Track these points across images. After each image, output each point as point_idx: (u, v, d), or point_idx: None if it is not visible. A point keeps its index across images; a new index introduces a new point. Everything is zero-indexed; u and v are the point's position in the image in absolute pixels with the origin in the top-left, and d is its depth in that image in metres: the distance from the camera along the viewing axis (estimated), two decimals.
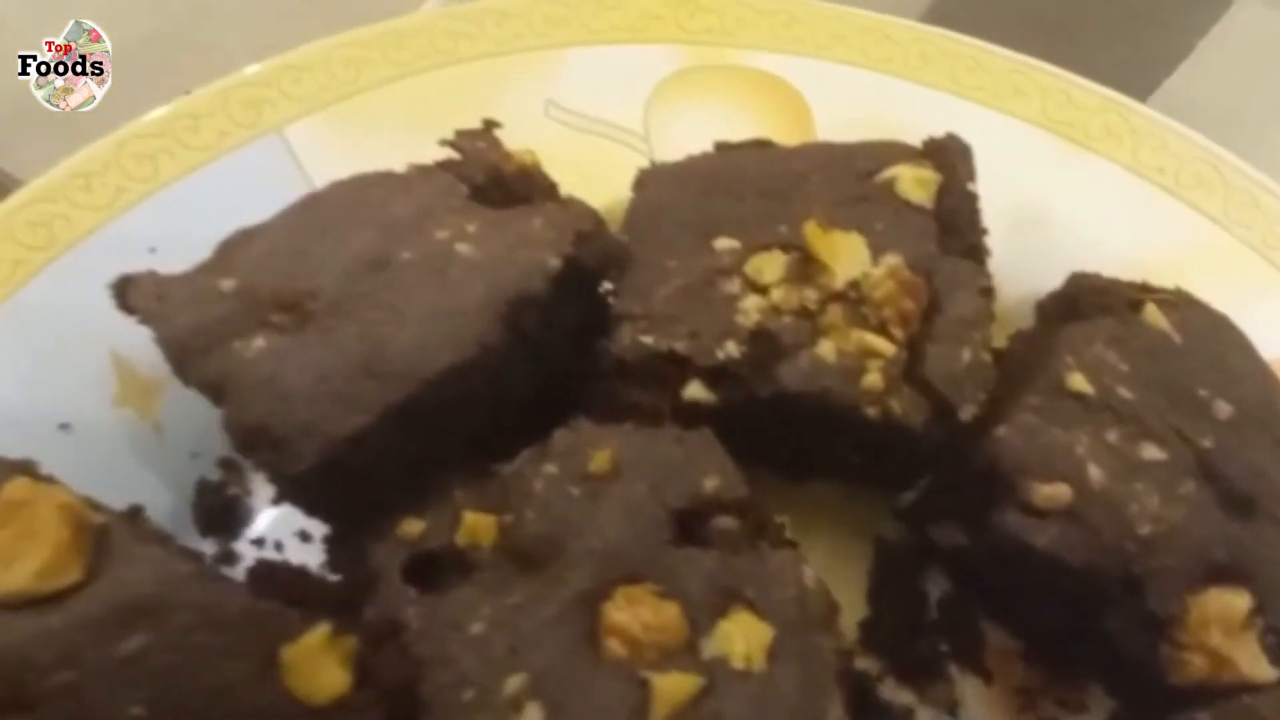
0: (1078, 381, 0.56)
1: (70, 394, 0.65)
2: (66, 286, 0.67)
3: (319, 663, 0.43)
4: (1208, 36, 1.04)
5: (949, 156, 0.66)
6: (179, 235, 0.64)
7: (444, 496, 0.55)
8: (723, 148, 0.72)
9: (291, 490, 0.51)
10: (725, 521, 0.53)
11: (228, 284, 0.53)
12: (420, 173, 0.60)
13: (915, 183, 0.64)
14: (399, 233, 0.56)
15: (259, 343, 0.51)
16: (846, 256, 0.59)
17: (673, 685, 0.46)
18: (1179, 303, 0.64)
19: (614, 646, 0.48)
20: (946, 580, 0.67)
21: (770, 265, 0.59)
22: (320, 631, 0.44)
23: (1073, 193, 0.81)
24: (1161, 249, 0.78)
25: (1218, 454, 0.54)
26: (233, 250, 0.56)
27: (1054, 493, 0.53)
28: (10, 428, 0.61)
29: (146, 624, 0.42)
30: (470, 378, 0.53)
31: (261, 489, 0.66)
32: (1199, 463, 0.54)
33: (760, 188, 0.65)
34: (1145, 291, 0.65)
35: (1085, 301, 0.64)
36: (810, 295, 0.58)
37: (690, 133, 0.79)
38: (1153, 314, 0.61)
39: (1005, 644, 0.65)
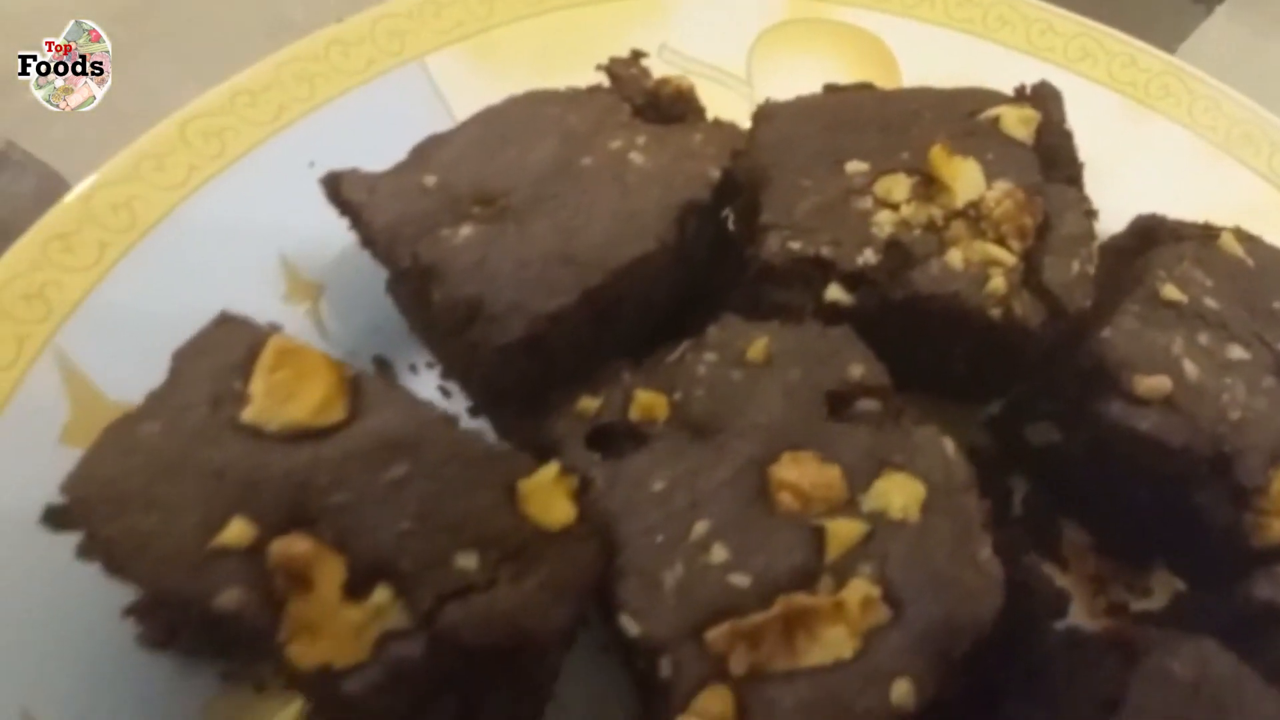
0: (1171, 292, 0.64)
1: (243, 292, 0.70)
2: (236, 193, 0.72)
3: (550, 495, 0.49)
4: (1179, 51, 1.12)
5: (1044, 99, 0.74)
6: (334, 151, 0.70)
7: (612, 380, 0.62)
8: (831, 89, 0.79)
9: (490, 365, 0.57)
10: (869, 404, 0.60)
11: (430, 180, 0.59)
12: (587, 93, 0.66)
13: (1018, 120, 0.71)
14: (577, 142, 0.62)
15: (465, 231, 0.57)
16: (965, 179, 0.66)
17: (844, 529, 0.53)
18: (1244, 236, 0.72)
19: (785, 500, 0.55)
20: (1028, 482, 0.75)
21: (897, 186, 0.66)
22: (551, 469, 0.50)
23: (1134, 146, 0.90)
24: (1213, 199, 0.86)
25: None
26: (427, 153, 0.62)
27: (1156, 384, 0.60)
28: (189, 323, 0.67)
29: (406, 457, 0.48)
30: (645, 272, 0.60)
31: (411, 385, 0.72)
32: (1276, 363, 0.62)
33: (879, 122, 0.72)
34: (1209, 229, 0.73)
35: (1162, 233, 0.72)
36: (935, 212, 0.65)
37: (790, 79, 0.86)
38: (1229, 241, 0.69)
39: (1079, 539, 0.73)
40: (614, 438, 0.60)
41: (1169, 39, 1.13)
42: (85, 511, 0.46)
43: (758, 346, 0.61)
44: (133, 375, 0.59)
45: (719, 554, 0.54)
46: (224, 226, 0.70)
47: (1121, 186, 0.86)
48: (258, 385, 0.49)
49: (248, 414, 0.48)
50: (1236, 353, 0.62)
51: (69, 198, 0.67)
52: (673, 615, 0.52)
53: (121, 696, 0.57)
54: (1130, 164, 0.88)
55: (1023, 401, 0.71)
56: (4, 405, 0.60)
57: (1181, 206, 0.80)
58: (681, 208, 0.60)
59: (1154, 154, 0.89)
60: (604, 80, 0.69)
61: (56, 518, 0.47)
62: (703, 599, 0.52)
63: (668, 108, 0.66)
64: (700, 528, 0.54)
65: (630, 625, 0.52)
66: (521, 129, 0.62)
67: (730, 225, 0.72)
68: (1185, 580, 0.68)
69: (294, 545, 0.44)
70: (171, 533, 0.45)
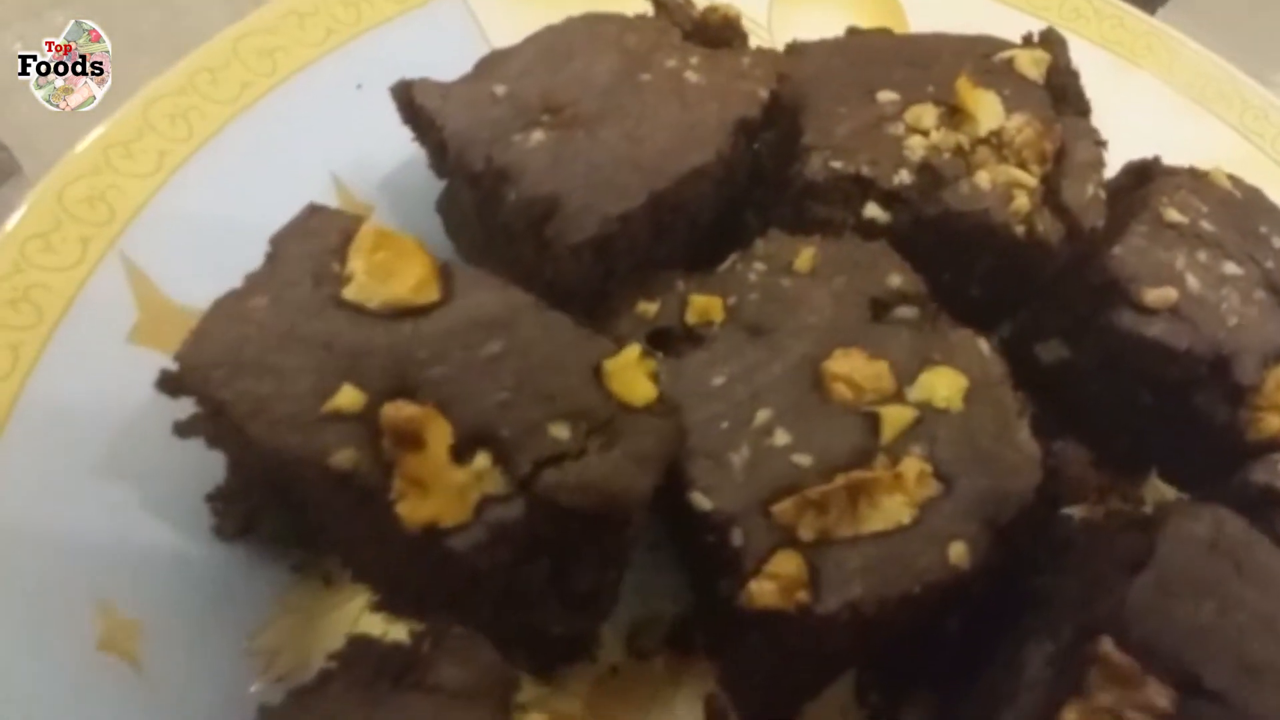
0: (1172, 215, 0.70)
1: (298, 207, 0.71)
2: (289, 111, 0.73)
3: (632, 374, 0.52)
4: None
5: (1051, 44, 0.79)
6: (380, 75, 0.72)
7: (667, 288, 0.66)
8: (854, 32, 0.83)
9: (561, 265, 0.60)
10: (908, 311, 0.65)
11: (499, 89, 0.62)
12: (638, 17, 0.69)
13: (1030, 61, 0.77)
14: (635, 59, 0.65)
15: (536, 136, 0.60)
16: (988, 109, 0.71)
17: (896, 414, 0.58)
18: (1229, 175, 0.79)
19: (839, 390, 0.59)
20: (1033, 406, 0.81)
21: (926, 114, 0.71)
22: (634, 350, 0.53)
23: (1121, 99, 0.96)
24: (1192, 149, 0.93)
25: (1277, 273, 0.69)
26: (493, 66, 0.64)
27: (1162, 295, 0.66)
28: (248, 234, 0.68)
29: (500, 334, 0.51)
30: (702, 184, 0.63)
31: None
32: (1265, 278, 0.69)
33: (904, 59, 0.76)
34: (1196, 170, 0.80)
35: (1156, 171, 0.78)
36: (961, 139, 0.70)
37: (806, 24, 0.91)
38: (1219, 175, 0.76)
39: (1079, 456, 0.79)
40: (672, 340, 0.64)
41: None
42: (200, 377, 0.47)
43: (804, 256, 0.65)
44: (195, 280, 0.61)
45: (781, 438, 0.58)
46: (277, 143, 0.72)
47: (1110, 135, 0.94)
48: (358, 265, 0.51)
49: (349, 292, 0.50)
50: (1231, 269, 0.69)
51: (128, 105, 0.67)
52: (741, 490, 0.56)
53: (195, 585, 0.59)
54: (1117, 115, 0.94)
55: (1033, 321, 0.76)
56: (71, 303, 0.61)
57: (1165, 155, 0.87)
58: (736, 123, 0.64)
59: (1139, 106, 0.96)
60: (649, 11, 0.72)
61: (171, 383, 0.48)
62: (768, 476, 0.56)
63: (715, 33, 0.69)
64: (762, 415, 0.58)
65: (702, 501, 0.56)
66: (583, 45, 0.65)
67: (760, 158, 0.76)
68: (1180, 486, 0.75)
69: (406, 408, 0.47)
70: (286, 397, 0.47)
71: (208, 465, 0.59)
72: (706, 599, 0.65)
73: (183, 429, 0.52)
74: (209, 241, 0.66)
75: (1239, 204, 0.74)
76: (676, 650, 0.66)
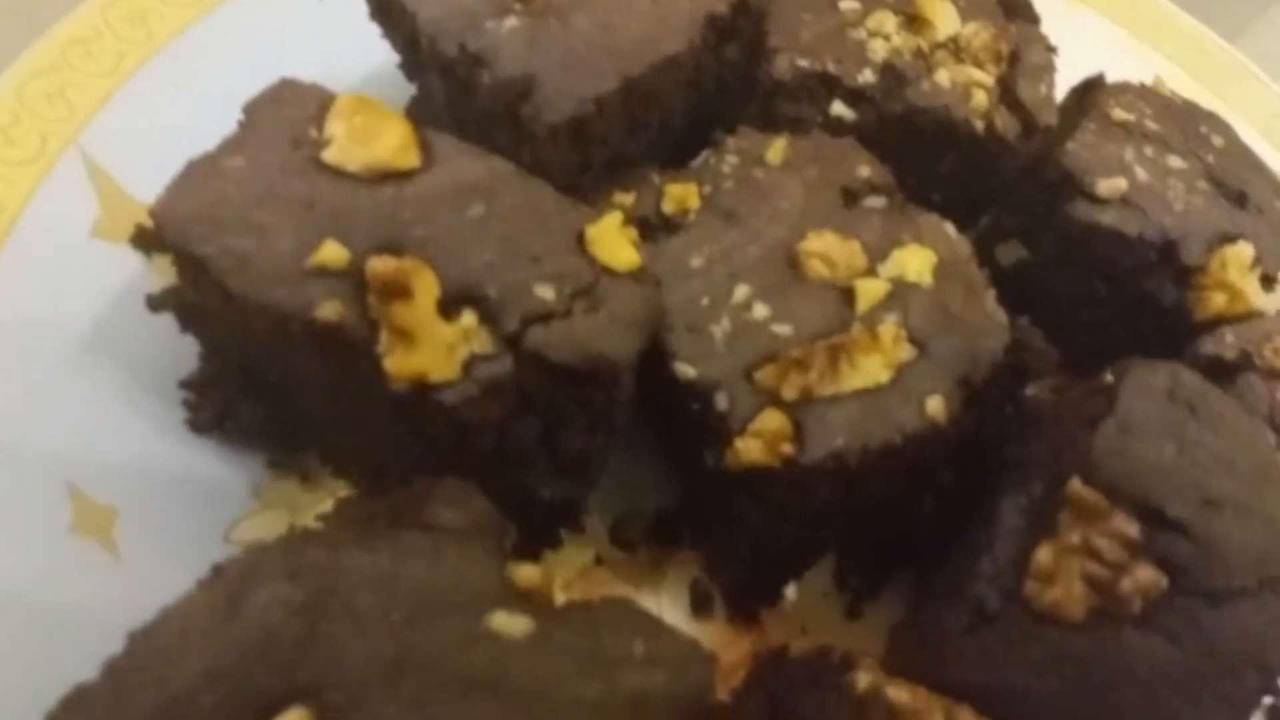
0: (1120, 114, 0.73)
1: None
2: (246, 18, 0.72)
3: (615, 240, 0.53)
4: None
5: None
6: None
7: (642, 181, 0.66)
8: None
9: (538, 147, 0.60)
10: (877, 200, 0.66)
11: None
12: None
13: None
14: None
15: (509, 23, 0.60)
16: (945, 16, 0.74)
17: (870, 286, 0.59)
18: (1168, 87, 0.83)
19: (815, 267, 0.60)
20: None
21: (886, 20, 0.73)
22: (615, 216, 0.54)
23: (1067, 35, 1.01)
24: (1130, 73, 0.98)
25: (1217, 167, 0.73)
26: None
27: (1113, 185, 0.69)
28: (198, 136, 0.67)
29: (482, 198, 0.51)
30: (675, 74, 0.64)
31: None
32: (1207, 171, 0.72)
33: None
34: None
35: (1101, 85, 0.82)
36: (921, 43, 0.72)
37: None
38: (1160, 83, 0.80)
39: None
40: (649, 230, 0.64)
41: None
42: (179, 232, 0.46)
43: (776, 148, 0.67)
44: (157, 177, 0.59)
45: (760, 311, 0.59)
46: (237, 47, 0.71)
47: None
48: (337, 128, 0.50)
49: (329, 155, 0.50)
50: (1176, 162, 0.72)
51: (86, 5, 0.66)
52: (724, 359, 0.57)
53: (171, 477, 0.58)
54: (1063, 49, 0.99)
55: (993, 227, 0.79)
56: (31, 197, 0.60)
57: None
58: (706, 18, 0.65)
59: (1081, 42, 1.00)
60: None
61: (147, 238, 0.47)
62: (749, 345, 0.58)
63: None
64: (741, 292, 0.60)
65: (686, 370, 0.57)
66: None
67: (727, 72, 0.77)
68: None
69: (392, 260, 0.47)
70: (268, 253, 0.47)
71: (180, 358, 0.58)
72: (691, 481, 0.66)
73: (155, 302, 0.51)
74: (170, 140, 0.63)
75: (1180, 108, 0.78)
76: (660, 542, 0.67)
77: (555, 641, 0.42)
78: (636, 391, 0.57)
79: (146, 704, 0.33)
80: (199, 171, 0.48)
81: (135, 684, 0.34)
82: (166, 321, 0.56)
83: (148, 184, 0.62)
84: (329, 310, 0.46)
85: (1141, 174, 0.70)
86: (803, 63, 0.69)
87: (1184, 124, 0.76)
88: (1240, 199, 0.72)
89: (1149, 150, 0.72)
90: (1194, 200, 0.70)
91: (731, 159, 0.66)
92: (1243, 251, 0.67)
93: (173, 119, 0.66)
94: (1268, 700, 0.55)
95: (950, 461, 0.61)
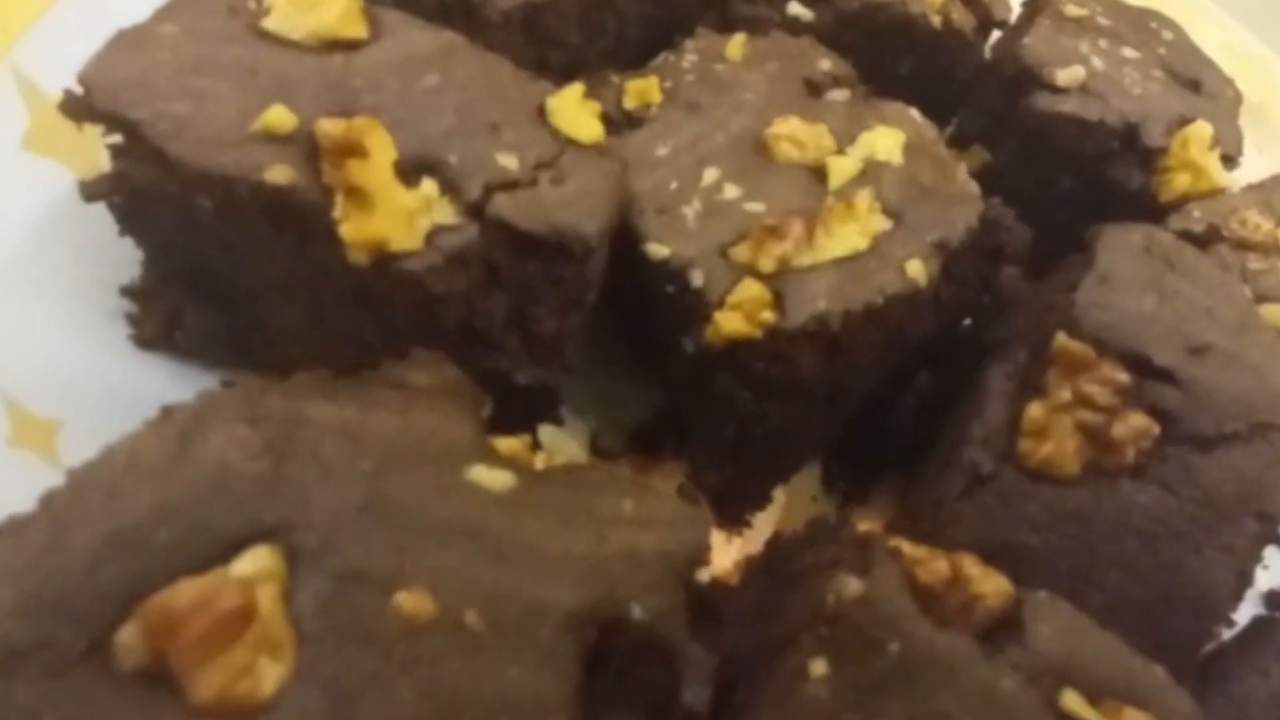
0: (1073, 10, 0.74)
1: None
2: None
3: (577, 112, 0.51)
4: None
5: None
6: None
7: (602, 82, 0.65)
8: None
9: (493, 40, 0.58)
10: (840, 93, 0.66)
11: None
12: None
13: None
14: None
15: None
16: None
17: (842, 163, 0.58)
18: None
19: (784, 149, 0.59)
20: None
21: None
22: (577, 88, 0.52)
23: None
24: None
25: (1169, 58, 0.74)
26: None
27: (1072, 74, 0.69)
28: None
29: (436, 69, 0.49)
30: None
31: None
32: (1160, 61, 0.73)
33: None
34: None
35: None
36: None
37: None
38: None
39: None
40: (613, 125, 0.63)
41: None
42: (109, 97, 0.43)
43: (735, 44, 0.66)
44: None
45: (731, 191, 0.57)
46: None
47: None
48: None
49: (269, 22, 0.48)
50: (1130, 53, 0.73)
51: None
52: (697, 237, 0.55)
53: (116, 392, 0.54)
54: None
55: (957, 133, 0.79)
56: None
57: None
58: None
59: None
60: None
61: (76, 105, 0.44)
62: (722, 223, 0.56)
63: None
64: (710, 174, 0.58)
65: (658, 250, 0.55)
66: None
67: None
68: None
69: (343, 121, 0.44)
70: (209, 118, 0.44)
71: (121, 265, 0.55)
72: (670, 385, 0.64)
73: (90, 190, 0.47)
74: None
75: (1129, 8, 0.79)
76: (642, 452, 0.65)
77: (540, 497, 0.39)
78: (607, 294, 0.55)
79: (93, 536, 0.30)
80: (130, 39, 0.46)
81: (78, 517, 0.31)
82: (105, 228, 0.53)
83: None
84: (279, 174, 0.43)
85: (1098, 63, 0.71)
86: None
87: (1134, 20, 0.77)
88: (1194, 86, 0.73)
89: (1103, 43, 0.73)
90: (1150, 87, 0.71)
91: (691, 57, 0.65)
92: (1203, 130, 0.68)
93: (103, 32, 0.63)
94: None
95: (931, 346, 0.60)
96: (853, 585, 0.39)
